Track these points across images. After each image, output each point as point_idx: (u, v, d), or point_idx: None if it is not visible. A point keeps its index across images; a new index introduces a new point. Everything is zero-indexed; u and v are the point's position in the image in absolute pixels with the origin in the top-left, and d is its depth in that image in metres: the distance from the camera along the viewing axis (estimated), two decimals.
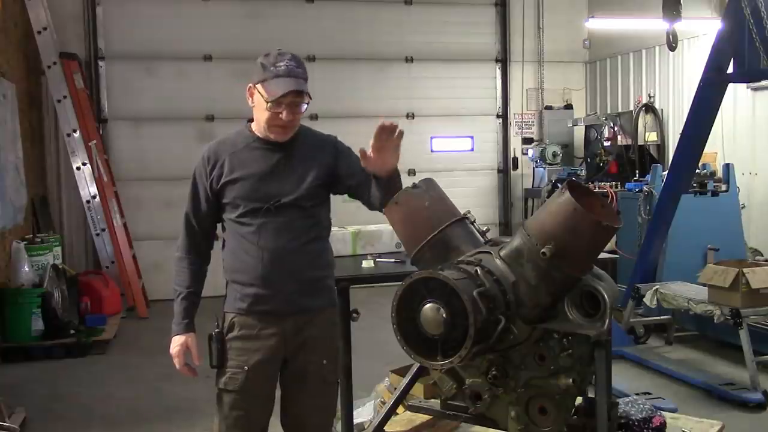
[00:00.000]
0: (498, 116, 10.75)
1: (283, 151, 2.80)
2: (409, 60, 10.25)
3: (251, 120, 2.86)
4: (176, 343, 2.86)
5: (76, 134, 8.35)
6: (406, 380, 3.38)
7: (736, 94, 7.68)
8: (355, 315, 3.19)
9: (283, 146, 2.80)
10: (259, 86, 2.73)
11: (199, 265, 2.92)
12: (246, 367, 2.75)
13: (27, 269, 6.91)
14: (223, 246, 2.87)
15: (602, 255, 2.84)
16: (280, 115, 2.71)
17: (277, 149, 2.80)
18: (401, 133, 2.67)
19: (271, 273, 2.73)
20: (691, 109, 5.94)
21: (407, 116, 10.30)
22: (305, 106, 2.76)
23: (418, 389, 3.73)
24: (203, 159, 2.83)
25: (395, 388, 3.72)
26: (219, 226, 2.94)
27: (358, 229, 4.23)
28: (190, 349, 2.85)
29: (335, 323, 2.99)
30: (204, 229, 2.89)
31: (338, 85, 9.69)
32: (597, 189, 7.74)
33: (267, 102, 2.70)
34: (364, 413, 4.32)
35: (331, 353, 2.92)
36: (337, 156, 2.85)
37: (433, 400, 3.14)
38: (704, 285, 5.51)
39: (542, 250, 2.25)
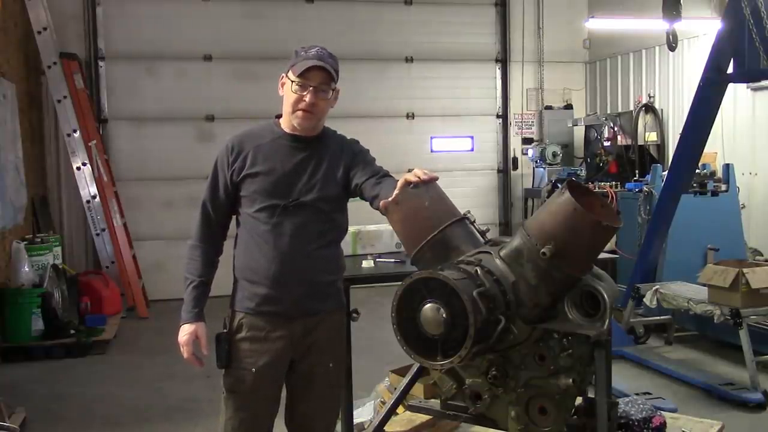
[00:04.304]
0: (498, 116, 10.75)
1: (308, 150, 2.78)
2: (409, 60, 10.26)
3: (279, 116, 2.84)
4: (185, 331, 2.82)
5: (76, 134, 8.35)
6: (406, 380, 3.38)
7: (736, 94, 7.68)
8: (355, 315, 3.20)
9: (309, 145, 2.78)
10: (289, 72, 2.73)
11: (212, 255, 2.87)
12: (253, 369, 2.73)
13: (27, 269, 6.91)
14: (235, 243, 2.85)
15: (602, 255, 2.84)
16: (305, 98, 2.69)
17: (303, 147, 2.78)
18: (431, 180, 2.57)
19: (282, 275, 2.72)
20: (691, 109, 5.94)
21: (407, 116, 10.30)
22: (330, 93, 2.75)
23: (418, 389, 3.73)
24: (227, 148, 2.81)
25: (395, 388, 3.72)
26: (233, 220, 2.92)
27: (358, 229, 4.22)
28: (199, 339, 2.81)
29: (343, 324, 2.98)
30: (219, 219, 2.85)
31: (338, 85, 9.68)
32: (597, 189, 7.74)
33: (293, 83, 2.69)
34: (364, 413, 4.32)
35: (338, 356, 2.92)
36: (354, 157, 2.83)
37: (433, 400, 3.14)
38: (704, 285, 5.51)
39: (542, 250, 2.25)
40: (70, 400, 5.52)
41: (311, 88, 2.69)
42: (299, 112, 2.72)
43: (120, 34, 9.22)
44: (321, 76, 2.70)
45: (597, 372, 2.47)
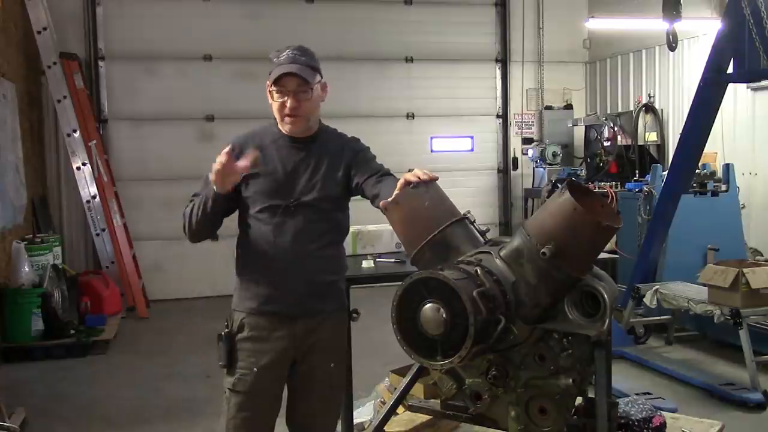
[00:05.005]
0: (498, 116, 10.75)
1: (308, 149, 2.79)
2: (409, 60, 10.26)
3: None
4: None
5: (76, 134, 8.35)
6: (406, 380, 3.38)
7: (736, 94, 7.68)
8: (355, 315, 3.20)
9: (308, 145, 2.80)
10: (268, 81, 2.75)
11: None
12: (255, 369, 2.74)
13: (27, 269, 6.90)
14: (237, 244, 2.85)
15: (602, 255, 2.84)
16: (286, 104, 2.71)
17: (302, 147, 2.79)
18: (430, 180, 2.52)
19: (285, 274, 2.73)
20: (691, 109, 5.94)
21: (407, 116, 10.30)
22: (311, 93, 2.74)
23: (418, 389, 3.72)
24: (229, 148, 2.80)
25: (395, 388, 3.72)
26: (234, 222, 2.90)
27: (358, 229, 4.22)
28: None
29: (344, 325, 2.99)
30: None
31: (338, 85, 9.67)
32: (597, 189, 7.74)
33: (270, 92, 2.72)
34: (364, 413, 4.33)
35: (340, 356, 2.93)
36: (354, 156, 2.84)
37: (433, 400, 3.14)
38: (704, 285, 5.51)
39: (542, 250, 2.25)
40: (70, 400, 5.52)
41: (290, 94, 2.71)
42: (286, 118, 2.75)
43: (120, 34, 9.21)
44: (295, 82, 2.71)
45: (597, 372, 2.47)
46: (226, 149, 2.63)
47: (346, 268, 2.99)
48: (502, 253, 2.37)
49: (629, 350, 6.21)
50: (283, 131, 2.80)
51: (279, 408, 2.87)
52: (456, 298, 2.17)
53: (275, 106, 2.75)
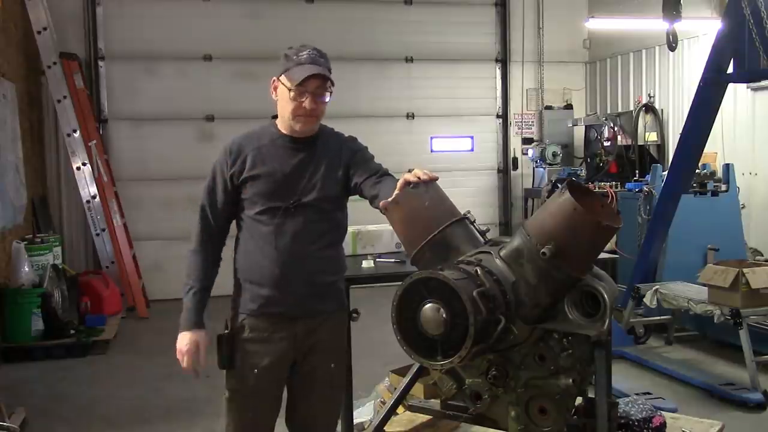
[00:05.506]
0: (498, 116, 10.76)
1: (307, 150, 2.78)
2: (409, 60, 10.26)
3: (275, 116, 2.83)
4: (186, 340, 2.79)
5: (76, 134, 8.35)
6: (406, 380, 3.38)
7: (736, 94, 7.68)
8: (355, 315, 3.20)
9: (307, 145, 2.78)
10: (282, 77, 2.71)
11: (213, 261, 2.84)
12: (255, 370, 2.74)
13: (27, 269, 6.90)
14: (236, 245, 2.85)
15: (602, 255, 2.84)
16: (304, 104, 2.68)
17: (301, 148, 2.77)
18: (429, 180, 2.52)
19: (286, 276, 2.72)
20: (690, 109, 5.94)
21: (407, 116, 10.30)
22: (328, 96, 2.73)
23: (418, 389, 3.72)
24: (226, 151, 2.79)
25: (395, 388, 3.72)
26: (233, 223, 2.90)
27: (358, 229, 4.22)
28: (199, 349, 2.78)
29: (344, 325, 2.99)
30: (219, 223, 2.83)
31: (338, 85, 9.63)
32: (597, 189, 7.74)
33: (290, 90, 2.68)
34: (364, 413, 4.33)
35: (340, 356, 2.92)
36: (353, 156, 2.82)
37: (433, 400, 3.14)
38: (704, 285, 5.51)
39: (542, 250, 2.24)
40: (70, 400, 5.52)
41: (309, 95, 2.68)
42: (300, 118, 2.72)
43: (120, 34, 9.22)
44: (318, 82, 2.69)
45: (597, 372, 2.47)
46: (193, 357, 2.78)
47: (346, 269, 2.99)
48: (502, 253, 2.37)
49: (629, 350, 6.21)
50: (288, 129, 2.76)
51: (279, 408, 2.87)
52: (456, 298, 2.17)
53: (290, 106, 2.70)
